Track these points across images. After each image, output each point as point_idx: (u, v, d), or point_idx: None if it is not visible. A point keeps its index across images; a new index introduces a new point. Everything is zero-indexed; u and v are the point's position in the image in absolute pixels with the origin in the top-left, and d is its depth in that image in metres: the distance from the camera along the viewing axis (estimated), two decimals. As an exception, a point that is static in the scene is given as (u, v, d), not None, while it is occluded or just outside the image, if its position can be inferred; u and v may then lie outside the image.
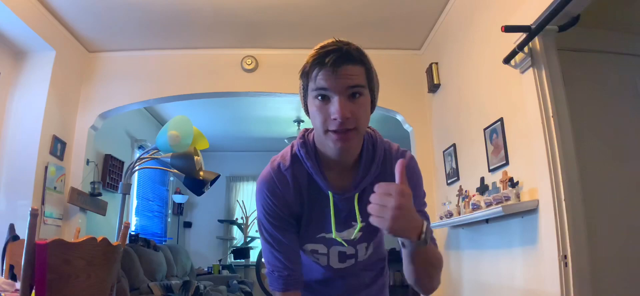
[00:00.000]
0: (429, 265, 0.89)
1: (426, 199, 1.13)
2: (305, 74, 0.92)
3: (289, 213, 1.03)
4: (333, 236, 1.02)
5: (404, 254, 0.87)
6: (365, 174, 1.01)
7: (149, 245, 4.45)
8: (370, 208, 0.78)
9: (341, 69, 0.87)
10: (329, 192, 1.01)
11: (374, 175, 1.01)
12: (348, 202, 1.03)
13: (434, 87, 3.70)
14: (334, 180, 1.01)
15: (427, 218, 1.04)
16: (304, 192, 1.03)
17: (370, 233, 1.08)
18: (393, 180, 1.00)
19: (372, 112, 0.97)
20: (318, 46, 0.91)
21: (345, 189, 1.02)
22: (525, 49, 2.27)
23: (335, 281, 1.18)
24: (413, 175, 1.02)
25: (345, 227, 1.05)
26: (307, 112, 0.97)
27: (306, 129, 1.08)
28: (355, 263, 1.13)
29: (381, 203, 0.77)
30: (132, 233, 4.88)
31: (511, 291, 2.49)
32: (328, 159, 1.00)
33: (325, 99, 0.89)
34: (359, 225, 1.02)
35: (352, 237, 1.05)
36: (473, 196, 2.83)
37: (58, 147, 3.56)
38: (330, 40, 0.90)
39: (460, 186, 3.17)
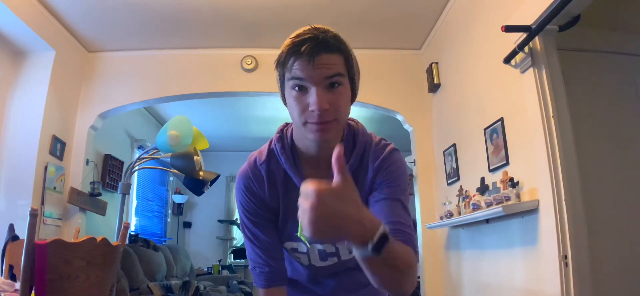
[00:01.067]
0: (393, 270, 0.73)
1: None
2: (281, 64, 0.87)
3: (266, 209, 1.01)
4: (298, 235, 0.99)
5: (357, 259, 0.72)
6: None
7: (148, 245, 4.45)
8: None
9: (318, 58, 0.82)
10: None
11: (351, 168, 0.97)
12: None
13: (434, 87, 3.70)
14: (309, 174, 0.96)
15: (407, 211, 0.95)
16: (279, 187, 1.00)
17: None
18: (368, 172, 0.97)
19: (353, 101, 0.93)
20: (293, 34, 0.85)
21: None
22: (526, 49, 2.27)
23: (327, 280, 1.16)
24: (390, 167, 0.96)
25: None
26: (284, 102, 0.93)
27: (285, 124, 1.05)
28: (338, 261, 1.08)
29: (301, 206, 0.63)
30: (132, 233, 4.88)
31: (511, 291, 2.49)
32: (304, 152, 0.97)
33: (302, 89, 0.85)
34: None
35: None
36: (473, 196, 2.83)
37: (58, 147, 3.56)
38: (306, 28, 0.85)
39: (461, 186, 3.16)
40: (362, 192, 0.97)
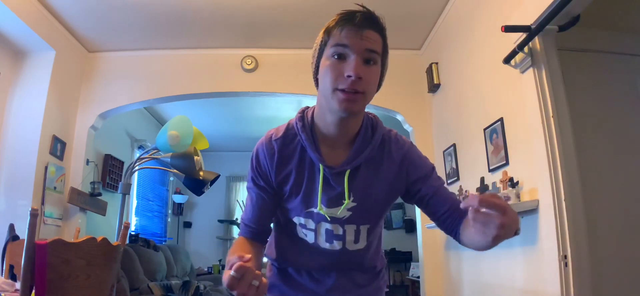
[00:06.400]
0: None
1: None
2: (328, 31, 0.95)
3: (267, 181, 1.08)
4: (318, 210, 1.05)
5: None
6: (360, 152, 1.04)
7: (149, 245, 4.45)
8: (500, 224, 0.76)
9: (365, 31, 0.91)
10: (320, 165, 1.03)
11: (368, 156, 1.04)
12: (339, 178, 1.04)
13: (434, 87, 3.70)
14: (327, 155, 1.04)
15: (443, 183, 1.12)
16: (291, 164, 1.06)
17: (360, 215, 1.08)
18: (388, 165, 1.07)
19: (378, 90, 1.00)
20: (344, 10, 0.95)
21: (338, 165, 1.04)
22: (525, 49, 2.27)
23: (326, 278, 1.16)
24: (418, 159, 1.09)
25: (336, 204, 1.06)
26: (315, 72, 1.00)
27: (306, 107, 1.11)
28: (342, 248, 1.11)
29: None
30: (132, 233, 4.88)
31: (511, 291, 2.49)
32: (324, 134, 1.04)
33: (341, 57, 0.92)
34: (346, 202, 1.04)
35: (338, 213, 1.06)
36: (473, 196, 2.83)
37: (58, 147, 3.56)
38: (357, 7, 0.95)
39: (461, 186, 3.16)
40: (381, 176, 1.06)
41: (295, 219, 1.11)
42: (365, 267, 1.19)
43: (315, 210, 1.06)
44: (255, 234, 1.12)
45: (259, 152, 1.09)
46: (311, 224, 1.10)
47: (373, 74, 0.94)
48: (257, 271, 0.76)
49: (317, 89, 1.02)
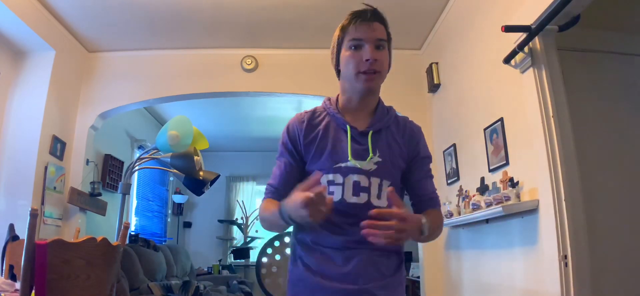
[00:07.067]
0: (432, 236, 1.18)
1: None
2: (343, 29, 1.21)
3: (295, 146, 1.26)
4: (349, 159, 1.21)
5: None
6: (379, 119, 1.27)
7: (148, 245, 4.45)
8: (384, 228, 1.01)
9: (373, 24, 1.17)
10: (348, 126, 1.24)
11: (385, 124, 1.27)
12: (363, 138, 1.24)
13: (434, 87, 3.70)
14: (351, 121, 1.26)
15: (431, 176, 1.33)
16: (318, 128, 1.26)
17: (384, 170, 1.22)
18: (402, 135, 1.28)
19: (389, 69, 1.23)
20: (353, 11, 1.20)
21: (362, 127, 1.26)
22: (526, 49, 2.27)
23: (349, 263, 1.17)
24: (424, 141, 1.32)
25: (362, 158, 1.22)
26: (336, 64, 1.25)
27: (328, 97, 1.34)
28: (368, 201, 1.19)
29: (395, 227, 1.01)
30: (132, 233, 4.88)
31: (511, 291, 2.49)
32: (348, 109, 1.27)
33: (358, 48, 1.18)
34: (370, 155, 1.21)
35: (365, 164, 1.21)
36: (473, 196, 2.83)
37: (58, 147, 3.56)
38: (363, 7, 1.20)
39: (461, 186, 3.16)
40: (398, 141, 1.27)
41: (322, 179, 1.20)
42: (389, 252, 1.22)
43: (343, 164, 1.21)
44: (280, 196, 1.22)
45: (289, 125, 1.29)
46: (339, 178, 1.21)
47: (384, 57, 1.19)
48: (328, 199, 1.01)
49: (339, 78, 1.27)
